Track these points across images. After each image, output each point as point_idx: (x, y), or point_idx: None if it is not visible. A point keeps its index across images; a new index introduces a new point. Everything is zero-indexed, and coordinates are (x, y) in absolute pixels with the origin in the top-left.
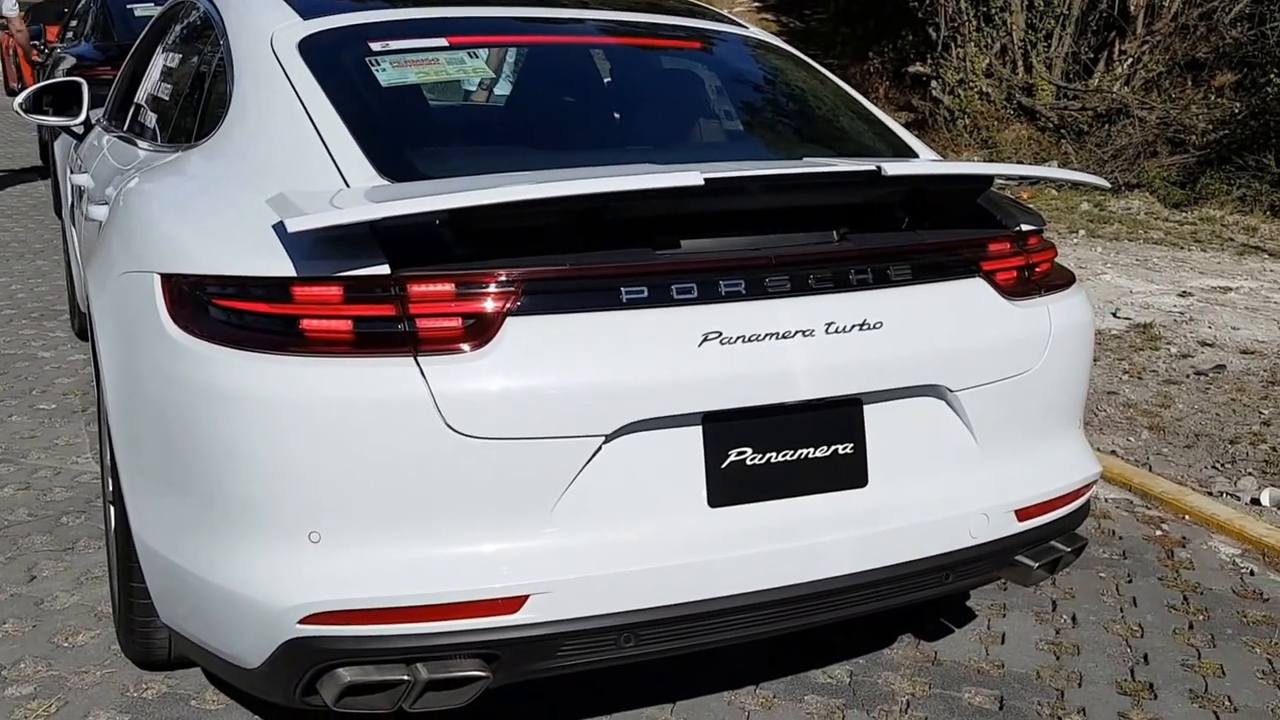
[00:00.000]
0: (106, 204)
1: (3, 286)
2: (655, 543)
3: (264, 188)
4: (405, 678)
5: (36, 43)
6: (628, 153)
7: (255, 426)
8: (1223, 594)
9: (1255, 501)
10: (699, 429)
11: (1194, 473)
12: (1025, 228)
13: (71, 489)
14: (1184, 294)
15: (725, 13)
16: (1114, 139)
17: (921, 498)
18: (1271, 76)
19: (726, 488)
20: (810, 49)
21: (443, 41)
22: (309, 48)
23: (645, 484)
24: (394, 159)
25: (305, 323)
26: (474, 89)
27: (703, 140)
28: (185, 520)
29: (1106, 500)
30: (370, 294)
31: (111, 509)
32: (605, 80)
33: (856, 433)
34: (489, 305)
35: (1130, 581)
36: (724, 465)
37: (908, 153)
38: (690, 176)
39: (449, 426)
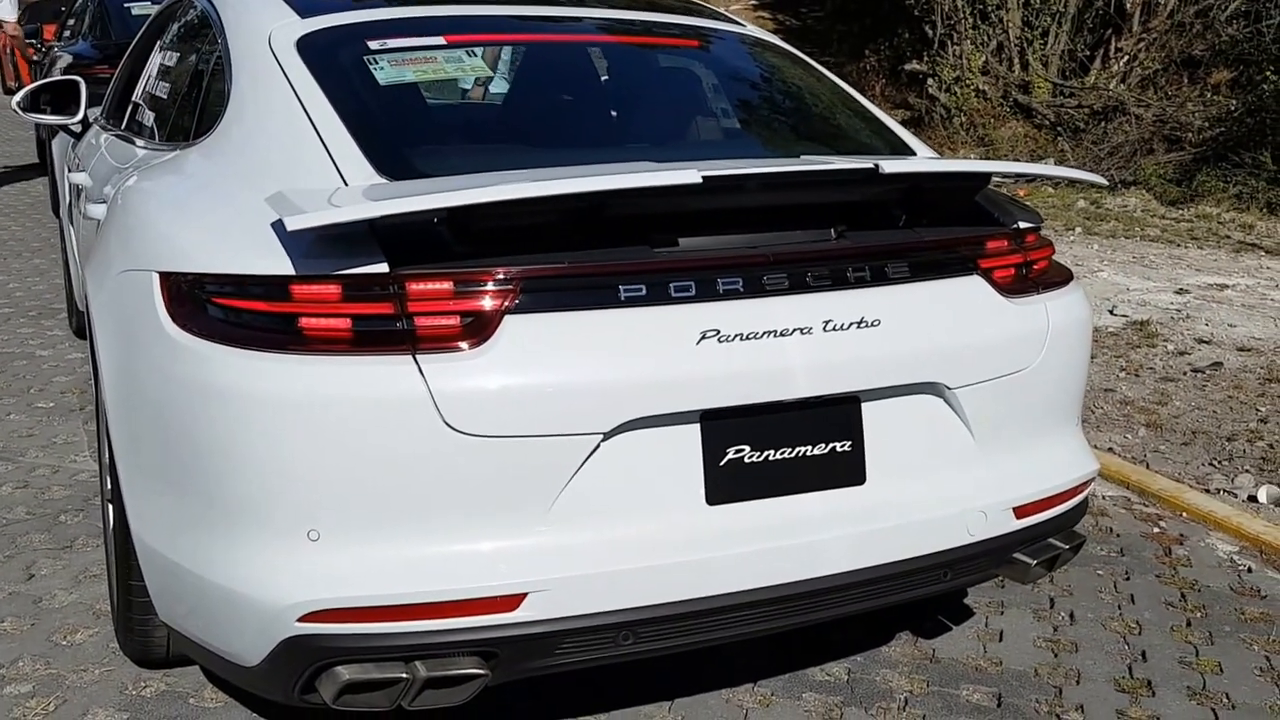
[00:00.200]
0: (104, 202)
1: (0, 285)
2: (653, 541)
3: (262, 186)
4: (404, 676)
5: (33, 41)
6: (626, 151)
7: (254, 425)
8: (1220, 591)
9: (1252, 499)
10: (697, 427)
11: (1191, 470)
12: (1023, 225)
13: (70, 487)
14: (1181, 291)
15: (722, 11)
16: (1110, 136)
17: (919, 495)
18: (1268, 74)
19: (725, 485)
20: (807, 47)
21: (440, 40)
22: (307, 46)
23: (643, 482)
24: (392, 157)
25: (304, 321)
26: (469, 86)
27: (700, 138)
28: (184, 518)
29: (1104, 498)
30: (369, 292)
31: (110, 507)
32: (603, 79)
33: (854, 430)
34: (487, 303)
35: (1128, 579)
36: (722, 463)
37: (905, 150)
38: (688, 174)
39: (447, 425)
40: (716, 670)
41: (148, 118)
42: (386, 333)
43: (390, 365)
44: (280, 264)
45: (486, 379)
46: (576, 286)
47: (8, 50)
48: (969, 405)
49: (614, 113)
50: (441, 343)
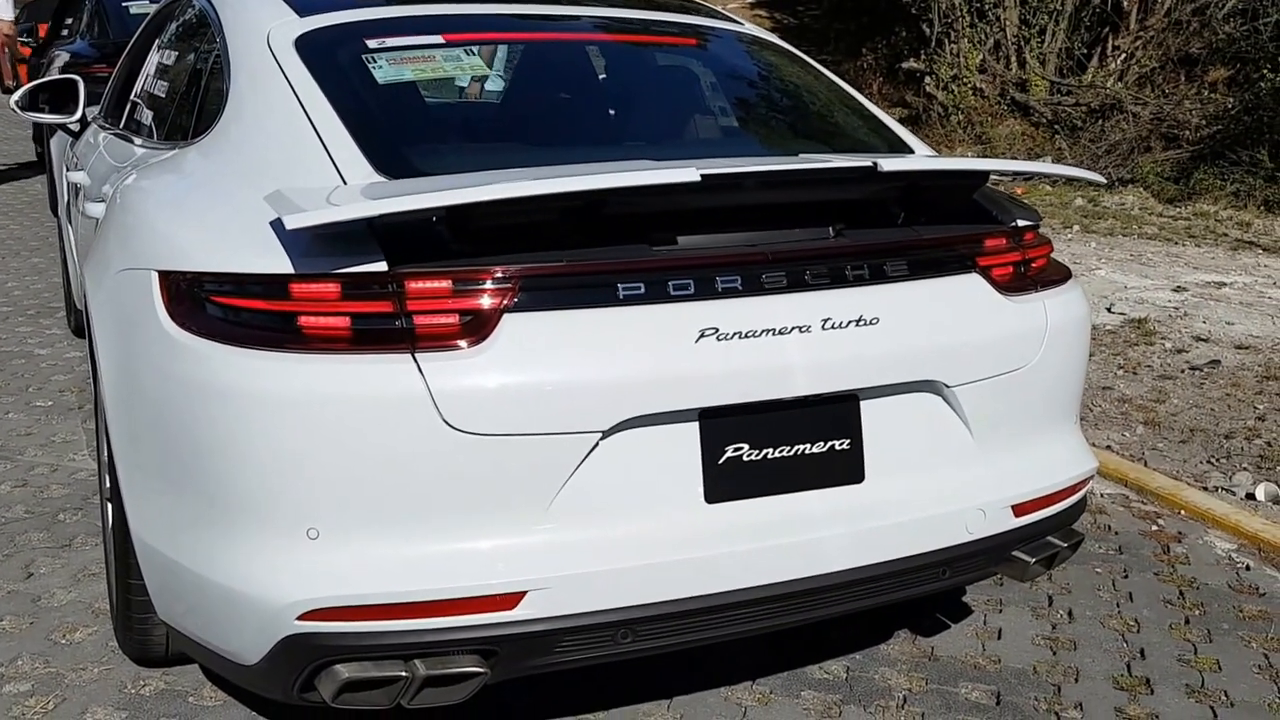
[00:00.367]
0: (103, 201)
1: None
2: (652, 539)
3: (261, 185)
4: (403, 674)
5: (28, 39)
6: (624, 149)
7: (253, 423)
8: (1219, 589)
9: (1250, 496)
10: (696, 425)
11: (1189, 468)
12: (1021, 223)
13: (68, 486)
14: (1178, 289)
15: (720, 9)
16: (1108, 134)
17: (918, 493)
18: (1265, 72)
19: (723, 483)
20: (804, 45)
21: (439, 39)
22: (305, 45)
23: (642, 480)
24: (391, 156)
25: (303, 319)
26: (466, 84)
27: (699, 136)
28: (183, 517)
29: (1102, 495)
30: (367, 291)
31: (109, 505)
32: (601, 77)
33: (853, 428)
34: (486, 302)
35: (1126, 576)
36: (721, 461)
37: (903, 148)
38: (687, 173)
39: (446, 423)
40: (715, 668)
41: (146, 116)
42: (385, 331)
43: (389, 364)
44: (279, 263)
45: (485, 377)
46: (575, 285)
47: (5, 50)
48: (968, 403)
49: (612, 111)
50: (440, 341)
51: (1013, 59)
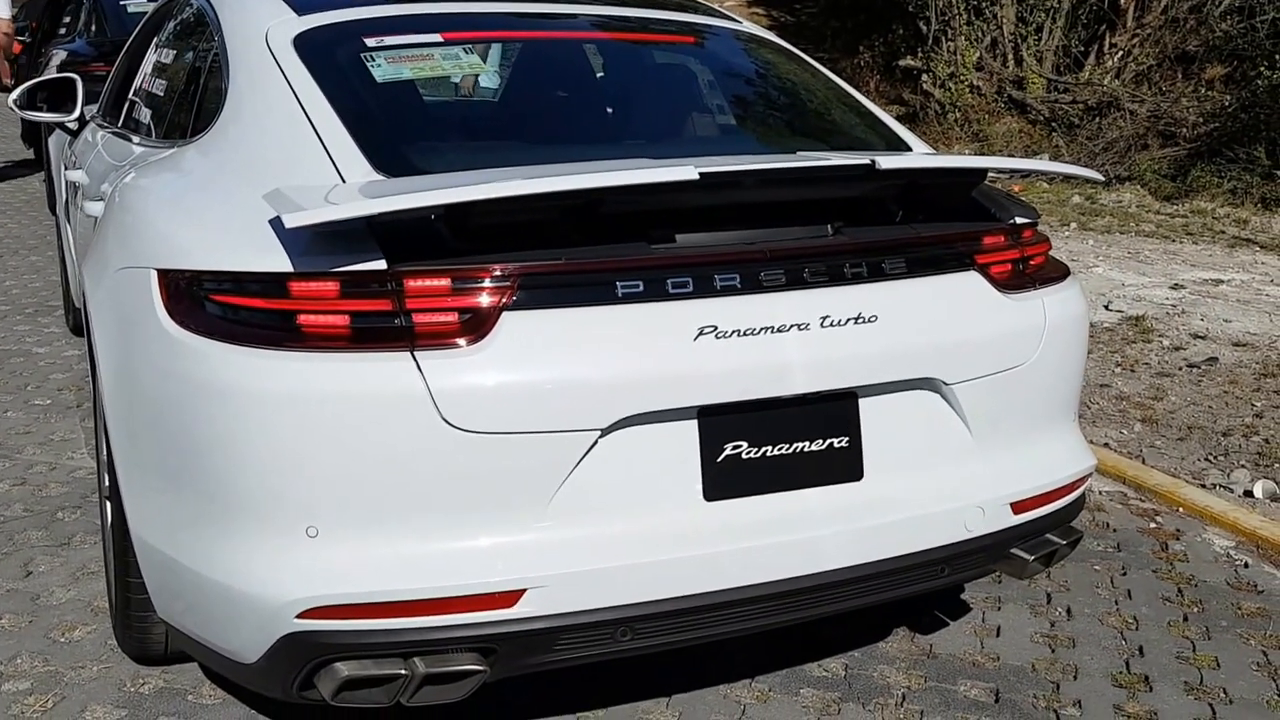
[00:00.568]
0: (102, 200)
1: None
2: (651, 536)
3: (260, 183)
4: (403, 672)
5: (23, 38)
6: (622, 147)
7: (252, 421)
8: (1217, 586)
9: (1248, 494)
10: (694, 423)
11: (1187, 465)
12: (1020, 221)
13: (67, 484)
14: (1176, 286)
15: (717, 7)
16: (1105, 132)
17: (917, 491)
18: (1262, 69)
19: (722, 481)
20: (801, 43)
21: (437, 37)
22: (304, 43)
23: (641, 478)
24: (390, 154)
25: (302, 318)
26: (459, 80)
27: (697, 134)
28: (182, 515)
29: (1100, 493)
30: (367, 289)
31: (107, 504)
32: (599, 75)
33: (852, 426)
34: (485, 300)
35: (1125, 574)
36: (719, 459)
37: (901, 146)
38: (685, 171)
39: (445, 421)
40: (714, 666)
41: (145, 115)
42: (385, 329)
43: (388, 362)
44: (278, 261)
45: (484, 375)
46: (574, 283)
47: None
48: (966, 401)
49: (610, 109)
50: (439, 339)
51: (1010, 57)
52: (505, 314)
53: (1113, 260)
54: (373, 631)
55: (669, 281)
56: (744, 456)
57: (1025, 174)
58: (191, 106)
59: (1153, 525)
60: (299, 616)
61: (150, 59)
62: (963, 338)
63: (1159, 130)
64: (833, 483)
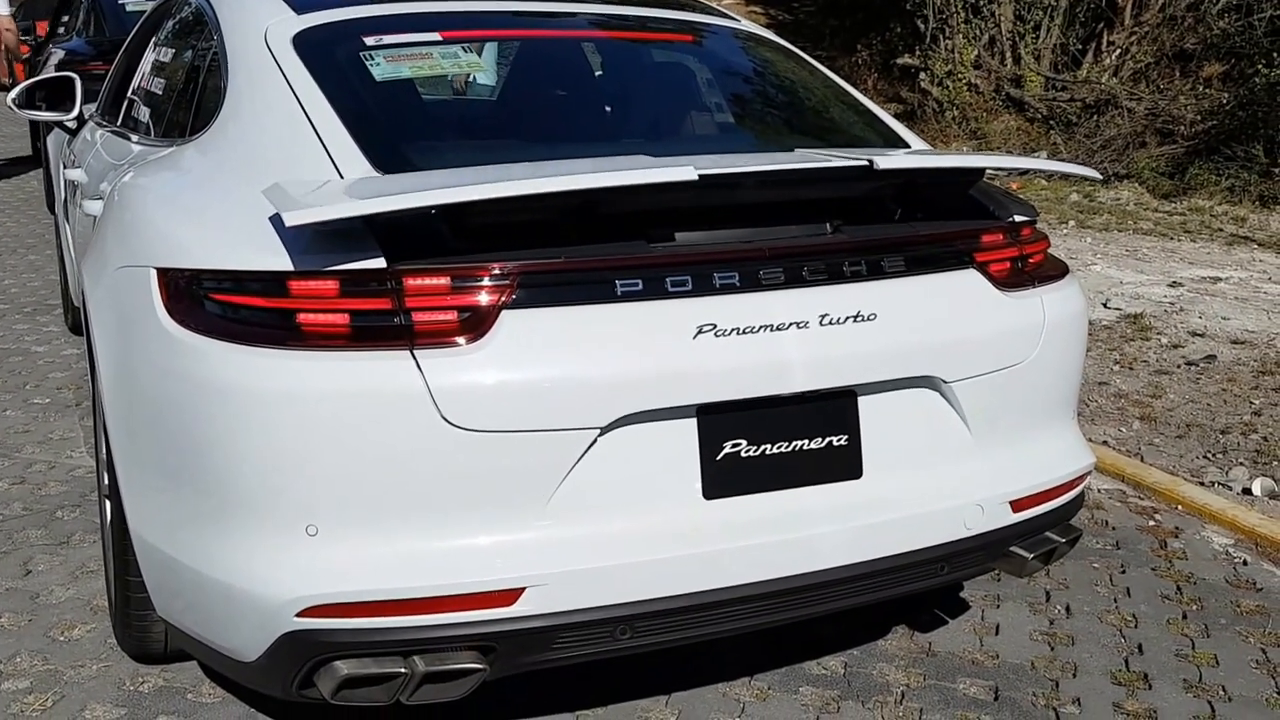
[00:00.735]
0: (101, 199)
1: None
2: (651, 535)
3: (259, 181)
4: (402, 670)
5: (26, 38)
6: (620, 146)
7: (252, 420)
8: (1216, 584)
9: (1247, 491)
10: (694, 421)
11: (1186, 463)
12: (1018, 219)
13: (66, 483)
14: (1174, 284)
15: (716, 5)
16: (1102, 130)
17: (916, 489)
18: (1259, 67)
19: (721, 480)
20: (799, 41)
21: (436, 36)
22: (303, 42)
23: (640, 476)
24: (389, 152)
25: (301, 316)
26: (455, 79)
27: (695, 133)
28: (182, 514)
29: (1099, 491)
30: (366, 288)
31: (107, 503)
32: (597, 74)
33: (851, 424)
34: (484, 298)
35: (1124, 572)
36: (719, 457)
37: (899, 144)
38: (684, 171)
39: (445, 419)
40: (713, 664)
41: (143, 114)
42: (384, 328)
43: (388, 360)
44: (278, 259)
45: (484, 374)
46: (573, 281)
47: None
48: (965, 399)
49: (608, 108)
50: (439, 338)
51: (1008, 54)
52: (505, 312)
53: (1111, 258)
54: (372, 630)
55: (668, 280)
56: (743, 455)
57: (1023, 172)
58: (190, 105)
59: (1151, 523)
60: (299, 615)
61: (149, 58)
62: (962, 336)
63: (1157, 128)
64: (832, 481)
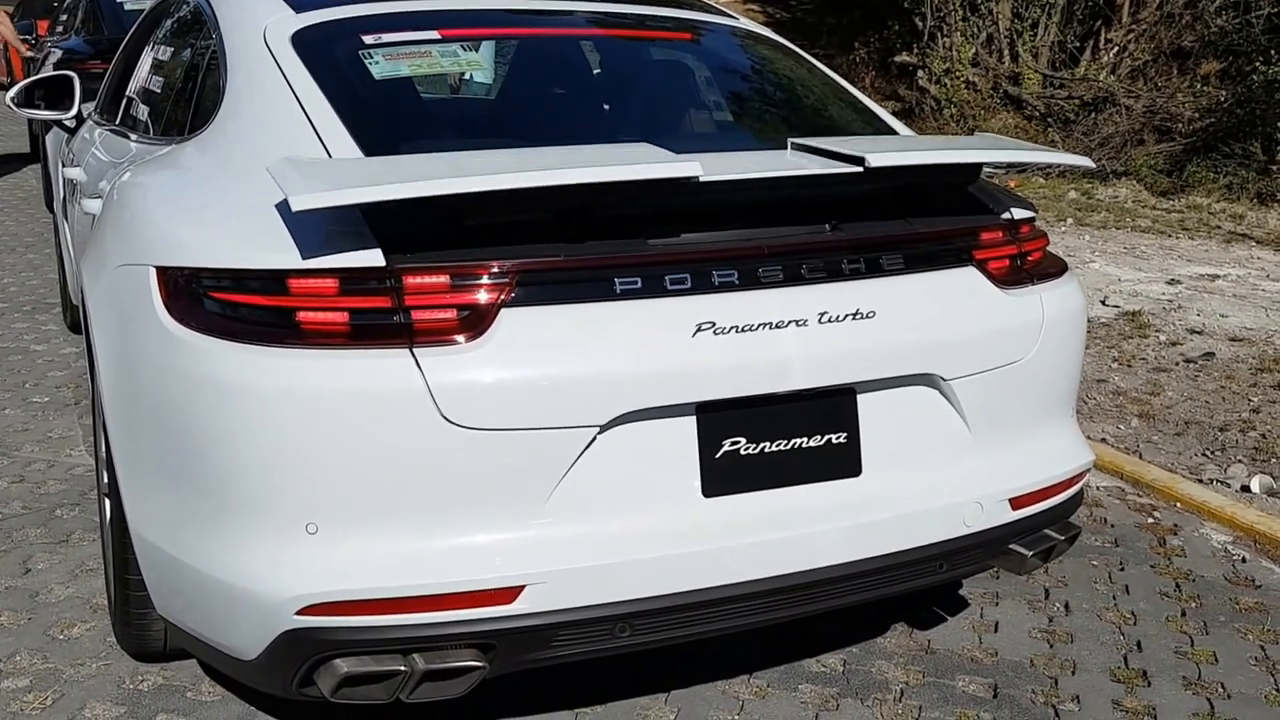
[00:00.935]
0: (100, 197)
1: None
2: (650, 533)
3: (258, 180)
4: (402, 668)
5: (28, 37)
6: (618, 143)
7: (252, 419)
8: (1215, 581)
9: (1245, 489)
10: (693, 419)
11: (1184, 460)
12: (1017, 216)
13: (65, 482)
14: (1172, 282)
15: (714, 3)
16: (1100, 127)
17: (915, 487)
18: (1257, 64)
19: (721, 477)
20: (797, 40)
21: (435, 34)
22: (302, 41)
23: (640, 474)
24: (387, 151)
25: (301, 315)
26: (453, 76)
27: (694, 130)
28: (182, 512)
29: (1098, 488)
30: (365, 286)
31: (106, 501)
32: (595, 72)
33: (850, 422)
34: (483, 296)
35: (1123, 569)
36: (718, 455)
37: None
38: (690, 167)
39: (444, 418)
40: (712, 662)
41: (142, 112)
42: (383, 326)
43: (387, 359)
44: (278, 258)
45: (483, 372)
46: (572, 279)
47: (2, 45)
48: (964, 397)
49: (607, 105)
50: (438, 336)
51: (1005, 52)
52: (504, 310)
53: (1109, 255)
54: (372, 628)
55: (667, 278)
56: (742, 452)
57: (1021, 169)
58: (189, 104)
59: (1150, 520)
60: (298, 613)
61: (148, 56)
62: (961, 333)
63: (1155, 126)
64: (831, 479)
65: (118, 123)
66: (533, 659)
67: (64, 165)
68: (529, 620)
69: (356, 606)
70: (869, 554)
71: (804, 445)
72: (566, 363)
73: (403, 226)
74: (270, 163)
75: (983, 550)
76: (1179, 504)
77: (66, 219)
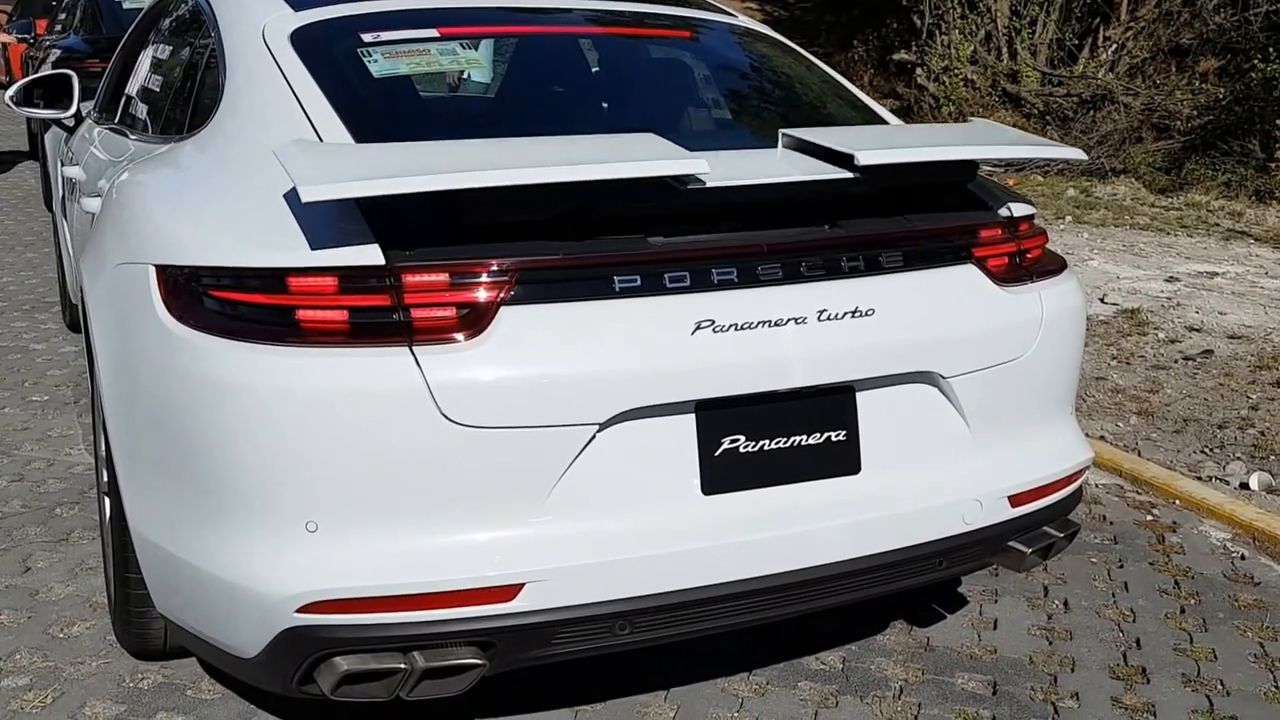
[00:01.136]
0: (99, 196)
1: None
2: (649, 530)
3: (258, 179)
4: (402, 666)
5: (26, 36)
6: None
7: (252, 417)
8: (1214, 578)
9: (1244, 486)
10: (692, 417)
11: (1183, 457)
12: (1017, 213)
13: (65, 480)
14: (1171, 279)
15: (712, 1)
16: (1099, 125)
17: (914, 484)
18: (1255, 62)
19: (720, 475)
20: (795, 37)
21: (433, 32)
22: (301, 39)
23: (639, 472)
24: None
25: (301, 313)
26: (451, 75)
27: (692, 128)
28: (182, 510)
29: (1097, 485)
30: (365, 284)
31: (106, 500)
32: (594, 70)
33: (849, 420)
34: (483, 295)
35: (1121, 566)
36: (717, 453)
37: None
38: (697, 164)
39: (444, 416)
40: (712, 659)
41: (141, 111)
42: (383, 324)
43: (387, 357)
44: (277, 256)
45: (483, 370)
46: (571, 277)
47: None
48: (964, 394)
49: (605, 104)
50: (438, 334)
51: (1004, 50)
52: (503, 309)
53: (1108, 253)
54: (372, 626)
55: (666, 276)
56: (742, 450)
57: (1020, 166)
58: (188, 102)
59: (1149, 518)
60: (299, 611)
61: (146, 55)
62: (960, 331)
63: (1153, 123)
64: (830, 476)
65: (116, 121)
66: (532, 657)
67: (63, 164)
68: (529, 618)
69: (356, 604)
70: (868, 551)
71: (803, 443)
72: (566, 361)
73: (402, 224)
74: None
75: (982, 548)
76: (1178, 501)
77: (65, 218)
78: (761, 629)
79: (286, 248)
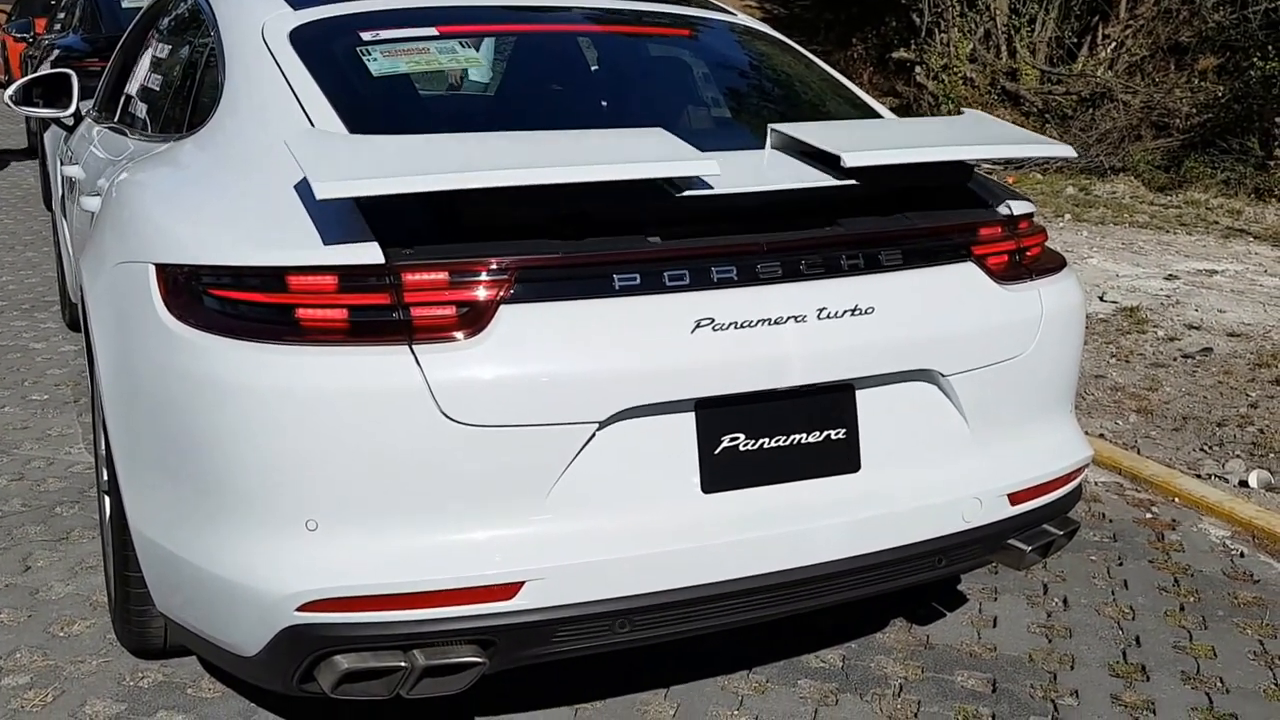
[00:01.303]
0: (98, 195)
1: None
2: (649, 529)
3: (257, 177)
4: (402, 664)
5: (25, 35)
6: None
7: (251, 416)
8: (1213, 576)
9: (1244, 483)
10: (692, 415)
11: (1182, 455)
12: (1016, 211)
13: (65, 479)
14: (1170, 277)
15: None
16: (1098, 123)
17: (914, 482)
18: (1254, 60)
19: (720, 473)
20: (794, 36)
21: (433, 31)
22: (300, 38)
23: (639, 470)
24: None
25: (300, 312)
26: (450, 73)
27: (691, 126)
28: (182, 509)
29: (1096, 483)
30: (365, 283)
31: (106, 498)
32: (593, 69)
33: (849, 418)
34: (482, 293)
35: (1121, 564)
36: (717, 451)
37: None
38: (708, 165)
39: (444, 414)
40: (712, 658)
41: (141, 110)
42: (383, 323)
43: (387, 356)
44: (277, 255)
45: (482, 369)
46: (571, 276)
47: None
48: (963, 392)
49: (604, 102)
50: (437, 333)
51: (1003, 48)
52: (503, 307)
53: (1107, 251)
54: (372, 624)
55: (666, 274)
56: (741, 448)
57: (1019, 166)
58: (188, 101)
59: (1149, 515)
60: (299, 610)
61: (146, 54)
62: (959, 329)
63: (1152, 121)
64: (830, 474)
65: (116, 120)
66: (533, 655)
67: (62, 163)
68: (529, 616)
69: (356, 603)
70: (868, 549)
71: (803, 441)
72: (566, 359)
73: (402, 223)
74: (268, 167)
75: (981, 545)
76: (1177, 499)
77: (65, 217)
78: (761, 627)
79: (286, 246)
